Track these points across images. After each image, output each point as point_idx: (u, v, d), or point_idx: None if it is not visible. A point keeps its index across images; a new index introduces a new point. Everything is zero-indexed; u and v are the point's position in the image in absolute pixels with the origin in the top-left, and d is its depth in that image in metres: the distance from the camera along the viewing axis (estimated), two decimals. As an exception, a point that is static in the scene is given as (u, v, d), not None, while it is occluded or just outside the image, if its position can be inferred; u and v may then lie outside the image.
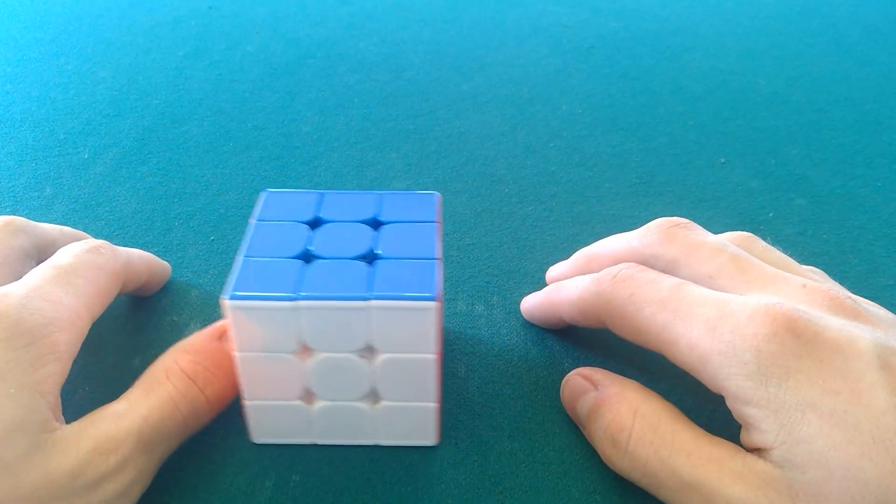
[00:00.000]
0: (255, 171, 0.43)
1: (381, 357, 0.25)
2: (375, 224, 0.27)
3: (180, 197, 0.41)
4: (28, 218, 0.30)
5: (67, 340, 0.25)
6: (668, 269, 0.28)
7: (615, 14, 0.64)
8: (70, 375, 0.25)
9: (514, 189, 0.42)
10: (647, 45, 0.59)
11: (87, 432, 0.23)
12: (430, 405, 0.27)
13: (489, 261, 0.37)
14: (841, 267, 0.37)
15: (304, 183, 0.42)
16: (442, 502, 0.26)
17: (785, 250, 0.38)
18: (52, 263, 0.27)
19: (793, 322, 0.22)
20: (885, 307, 0.26)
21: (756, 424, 0.22)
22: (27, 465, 0.22)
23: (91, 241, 0.29)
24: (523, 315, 0.33)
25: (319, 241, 0.26)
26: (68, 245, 0.29)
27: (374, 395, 0.26)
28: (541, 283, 0.35)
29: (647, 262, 0.28)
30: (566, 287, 0.30)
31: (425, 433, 0.28)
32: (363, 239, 0.26)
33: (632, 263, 0.27)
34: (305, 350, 0.25)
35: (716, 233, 0.29)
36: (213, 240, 0.38)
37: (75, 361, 0.25)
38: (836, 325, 0.23)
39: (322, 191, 0.29)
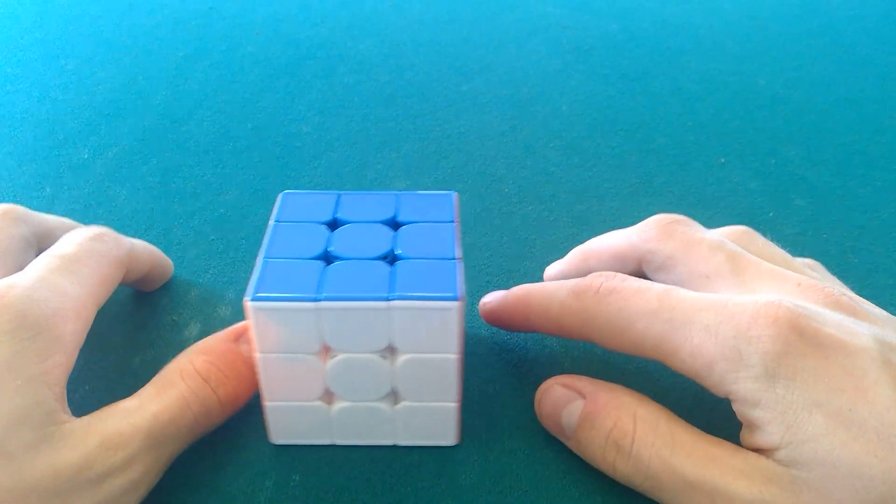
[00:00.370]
0: (255, 172, 0.43)
1: (403, 357, 0.25)
2: (394, 224, 0.27)
3: (180, 197, 0.41)
4: (28, 209, 0.30)
5: (73, 331, 0.25)
6: (665, 265, 0.28)
7: (615, 15, 0.64)
8: (70, 374, 0.25)
9: (514, 189, 0.42)
10: (646, 45, 0.59)
11: (95, 427, 0.23)
12: (450, 405, 0.27)
13: (489, 261, 0.37)
14: (841, 267, 0.37)
15: (305, 183, 0.42)
16: (441, 502, 0.26)
17: (785, 250, 0.38)
18: (56, 252, 0.27)
19: (795, 320, 0.22)
20: (886, 307, 0.26)
21: (762, 426, 0.22)
22: (33, 456, 0.22)
23: (93, 229, 0.29)
24: (482, 316, 0.31)
25: (339, 242, 0.26)
26: (70, 233, 0.29)
27: (394, 396, 0.26)
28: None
29: (645, 258, 0.28)
30: (541, 298, 0.28)
31: (446, 433, 0.28)
32: (383, 239, 0.26)
33: (609, 273, 0.27)
34: (326, 350, 0.25)
35: (715, 232, 0.29)
36: (213, 239, 0.38)
37: (76, 360, 0.25)
38: (835, 321, 0.23)
39: (339, 192, 0.29)
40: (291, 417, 0.27)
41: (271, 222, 0.27)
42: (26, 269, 0.26)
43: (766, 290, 0.25)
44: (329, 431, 0.27)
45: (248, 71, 0.55)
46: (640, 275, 0.29)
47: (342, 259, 0.25)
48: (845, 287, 0.27)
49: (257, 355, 0.25)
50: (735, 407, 0.23)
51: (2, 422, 0.22)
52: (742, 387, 0.22)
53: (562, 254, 0.36)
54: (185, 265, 0.36)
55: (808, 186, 0.43)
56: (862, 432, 0.21)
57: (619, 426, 0.25)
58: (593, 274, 0.27)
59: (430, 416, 0.27)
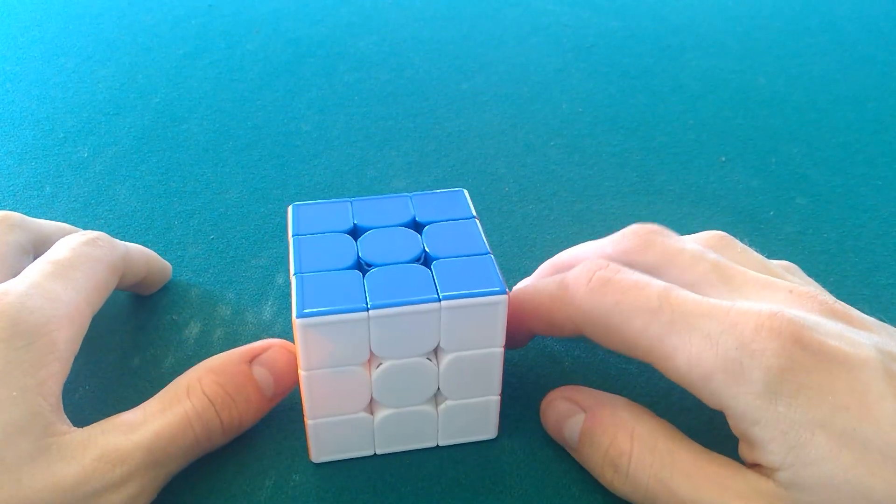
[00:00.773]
0: (255, 170, 0.43)
1: (449, 356, 0.25)
2: (416, 226, 0.27)
3: (180, 195, 0.41)
4: (25, 215, 0.30)
5: (67, 338, 0.24)
6: None
7: (615, 13, 0.64)
8: (70, 374, 0.25)
9: (515, 188, 0.42)
10: (647, 43, 0.59)
11: (95, 440, 0.23)
12: (493, 398, 0.27)
13: (489, 260, 0.37)
14: (842, 266, 0.37)
15: (305, 182, 0.42)
16: (441, 502, 0.26)
17: (785, 249, 0.38)
18: (50, 258, 0.27)
19: (798, 333, 0.22)
20: (886, 306, 0.26)
21: (762, 445, 0.22)
22: (31, 469, 0.22)
23: (88, 234, 0.29)
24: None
25: (368, 249, 0.26)
26: (65, 238, 0.28)
27: (438, 396, 0.27)
28: (541, 282, 0.35)
29: None
30: (531, 295, 0.27)
31: (487, 427, 0.28)
32: (411, 242, 0.26)
33: (602, 261, 0.25)
34: (371, 359, 0.25)
35: (707, 229, 0.29)
36: (212, 238, 0.38)
37: (75, 360, 0.25)
38: (836, 331, 0.22)
39: (350, 199, 0.28)
40: (334, 433, 0.26)
41: (290, 237, 0.27)
42: (20, 275, 0.25)
43: (756, 299, 0.24)
44: (372, 442, 0.27)
45: (247, 69, 0.55)
46: None
47: (377, 266, 0.25)
48: (825, 290, 0.27)
49: (302, 373, 0.24)
50: (731, 422, 0.23)
51: None
52: (742, 402, 0.22)
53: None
54: (184, 264, 0.36)
55: (809, 185, 0.42)
56: (866, 453, 0.20)
57: (615, 445, 0.24)
58: (585, 261, 0.26)
59: (473, 412, 0.27)
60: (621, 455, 0.24)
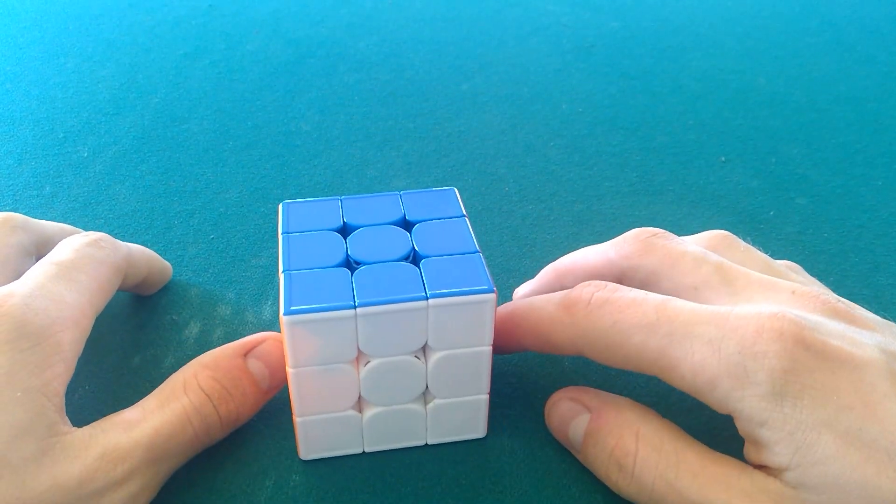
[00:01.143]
0: (255, 170, 0.43)
1: (437, 355, 0.25)
2: (406, 225, 0.27)
3: (180, 195, 0.41)
4: (27, 216, 0.30)
5: (72, 339, 0.24)
6: (648, 280, 0.27)
7: (615, 13, 0.64)
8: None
9: (514, 188, 0.42)
10: (647, 44, 0.59)
11: (96, 439, 0.23)
12: (482, 397, 0.27)
13: (489, 260, 0.37)
14: (842, 266, 0.37)
15: (305, 182, 0.42)
16: (441, 502, 0.26)
17: (786, 249, 0.38)
18: (53, 259, 0.27)
19: (800, 333, 0.22)
20: (887, 306, 0.26)
21: (770, 446, 0.22)
22: (35, 469, 0.22)
23: (90, 235, 0.29)
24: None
25: (357, 247, 0.26)
26: (67, 239, 0.28)
27: (425, 395, 0.27)
28: (541, 282, 0.35)
29: (626, 274, 0.27)
30: (527, 314, 0.27)
31: (475, 426, 0.28)
32: (400, 240, 0.26)
33: (600, 282, 0.25)
34: (359, 357, 0.25)
35: (708, 229, 0.29)
36: (212, 238, 0.38)
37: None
38: (838, 331, 0.22)
39: (340, 197, 0.29)
40: (323, 430, 0.26)
41: (280, 234, 0.27)
42: (24, 277, 0.26)
43: (760, 299, 0.24)
44: (360, 440, 0.27)
45: (247, 69, 0.55)
46: None
47: (365, 264, 0.25)
48: (828, 290, 0.27)
49: (290, 371, 0.24)
50: (739, 424, 0.23)
51: (3, 435, 0.21)
52: (748, 405, 0.22)
53: (562, 252, 0.36)
54: (184, 264, 0.36)
55: (809, 185, 0.42)
56: (872, 452, 0.20)
57: (620, 445, 0.24)
58: (582, 284, 0.26)
59: (461, 410, 0.27)
60: (626, 455, 0.24)
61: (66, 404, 0.24)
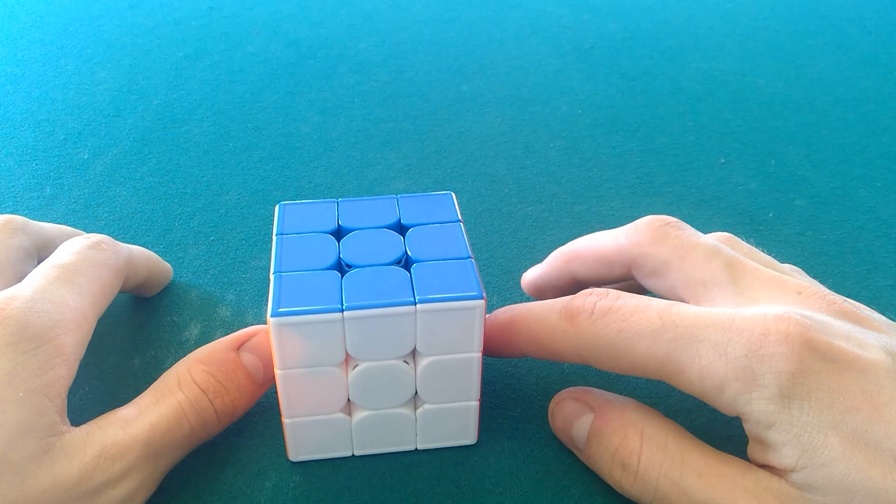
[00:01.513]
0: (255, 172, 0.43)
1: (426, 360, 0.25)
2: (400, 228, 0.27)
3: (180, 197, 0.41)
4: (27, 218, 0.30)
5: (74, 342, 0.24)
6: (657, 270, 0.27)
7: (615, 15, 0.64)
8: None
9: (514, 189, 0.42)
10: (646, 45, 0.59)
11: (94, 437, 0.23)
12: (471, 404, 0.27)
13: (489, 261, 0.37)
14: (841, 267, 0.37)
15: (305, 183, 0.42)
16: (441, 502, 0.26)
17: (785, 250, 0.38)
18: (55, 262, 0.27)
19: (806, 335, 0.22)
20: (885, 307, 0.26)
21: (777, 447, 0.22)
22: (35, 468, 0.22)
23: (92, 237, 0.29)
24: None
25: (350, 250, 0.26)
26: (69, 241, 0.28)
27: (415, 400, 0.27)
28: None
29: (636, 262, 0.27)
30: (529, 322, 0.26)
31: (466, 432, 0.28)
32: (393, 244, 0.26)
33: (601, 290, 0.25)
34: (348, 361, 0.25)
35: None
36: (213, 240, 0.38)
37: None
38: (844, 332, 0.22)
39: (336, 199, 0.29)
40: (312, 433, 0.26)
41: (274, 236, 0.27)
42: (25, 280, 0.26)
43: (766, 299, 0.24)
44: (349, 443, 0.27)
45: (248, 71, 0.55)
46: (629, 279, 0.29)
47: (356, 267, 0.25)
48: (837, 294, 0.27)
49: (278, 372, 0.24)
50: (747, 427, 0.23)
51: (5, 434, 0.22)
52: (756, 408, 0.22)
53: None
54: (185, 266, 0.36)
55: (809, 187, 0.43)
56: (878, 455, 0.20)
57: (624, 444, 0.24)
58: (584, 292, 0.25)
59: (451, 416, 0.27)
60: (630, 454, 0.24)
61: (67, 405, 0.24)
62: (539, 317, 0.26)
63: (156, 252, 0.35)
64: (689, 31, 0.62)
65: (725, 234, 0.28)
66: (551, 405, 0.28)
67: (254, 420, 0.29)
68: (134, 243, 0.33)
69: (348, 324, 0.24)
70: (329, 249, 0.26)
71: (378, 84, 0.53)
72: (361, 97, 0.51)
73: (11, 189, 0.42)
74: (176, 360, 0.31)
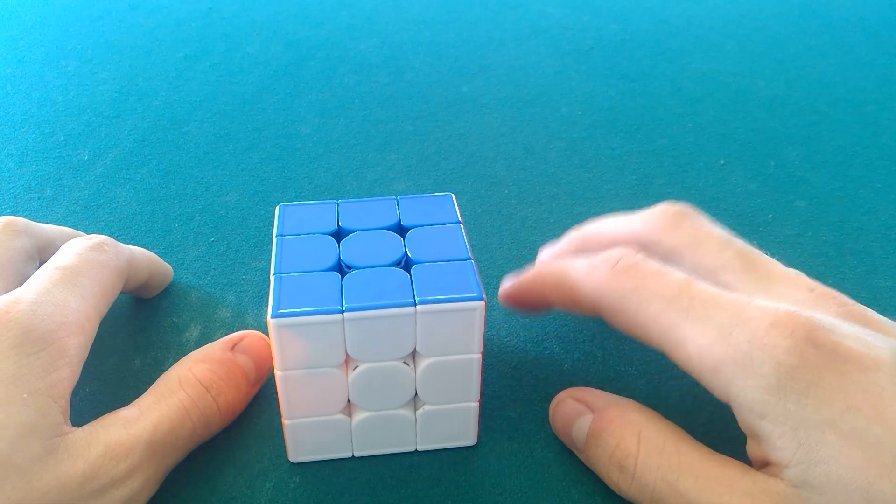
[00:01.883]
0: (256, 173, 0.43)
1: (426, 361, 0.25)
2: (400, 229, 0.27)
3: (180, 198, 0.41)
4: (28, 219, 0.30)
5: (77, 344, 0.25)
6: (669, 257, 0.27)
7: (615, 16, 0.64)
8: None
9: (514, 190, 0.42)
10: (646, 46, 0.59)
11: (97, 437, 0.23)
12: (471, 405, 0.27)
13: (489, 262, 0.37)
14: (840, 269, 0.37)
15: (305, 184, 0.42)
16: (441, 503, 0.26)
17: (784, 252, 0.38)
18: (57, 264, 0.27)
19: (812, 332, 0.22)
20: (885, 309, 0.26)
21: (771, 440, 0.22)
22: (40, 469, 0.22)
23: (93, 238, 0.29)
24: (503, 301, 0.31)
25: (350, 252, 0.26)
26: (70, 242, 0.29)
27: (415, 401, 0.27)
28: (540, 285, 0.35)
29: (648, 248, 0.27)
30: (557, 272, 0.28)
31: (466, 434, 0.28)
32: (393, 245, 0.26)
33: (631, 251, 0.26)
34: (348, 362, 0.25)
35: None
36: (213, 241, 0.38)
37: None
38: (852, 334, 0.22)
39: (336, 200, 0.29)
40: (312, 434, 0.26)
41: (274, 237, 0.27)
42: (28, 282, 0.26)
43: (778, 292, 0.24)
44: (349, 444, 0.27)
45: (248, 72, 0.55)
46: None
47: (356, 268, 0.25)
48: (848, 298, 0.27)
49: (278, 373, 0.25)
50: (738, 414, 0.23)
51: (10, 435, 0.22)
52: (749, 395, 0.22)
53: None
54: (185, 267, 0.36)
55: (808, 188, 0.43)
56: (877, 454, 0.20)
57: (622, 446, 0.24)
58: (615, 248, 0.26)
59: (451, 417, 0.27)
60: (628, 456, 0.24)
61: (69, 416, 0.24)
62: (566, 267, 0.27)
63: (156, 253, 0.35)
64: (689, 31, 0.62)
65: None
66: (552, 405, 0.28)
67: (254, 420, 0.29)
68: (134, 244, 0.33)
69: (348, 325, 0.24)
70: (329, 251, 0.26)
71: (378, 85, 0.53)
72: (361, 98, 0.51)
73: (11, 190, 0.42)
74: (176, 361, 0.31)
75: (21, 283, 0.26)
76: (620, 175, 0.44)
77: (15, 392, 0.22)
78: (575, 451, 0.27)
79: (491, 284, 0.35)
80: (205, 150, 0.46)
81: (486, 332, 0.33)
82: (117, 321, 0.33)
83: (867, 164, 0.45)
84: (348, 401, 0.26)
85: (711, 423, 0.29)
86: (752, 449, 0.23)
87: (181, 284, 0.35)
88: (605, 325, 0.33)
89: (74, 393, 0.29)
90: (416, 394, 0.26)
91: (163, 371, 0.31)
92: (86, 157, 0.45)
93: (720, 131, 0.48)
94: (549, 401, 0.29)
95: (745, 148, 0.46)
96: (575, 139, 0.47)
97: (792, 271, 0.25)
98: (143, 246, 0.35)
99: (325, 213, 0.28)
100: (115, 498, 0.23)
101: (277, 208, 0.28)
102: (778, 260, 0.29)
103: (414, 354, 0.25)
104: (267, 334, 0.33)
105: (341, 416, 0.26)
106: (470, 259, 0.26)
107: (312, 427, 0.26)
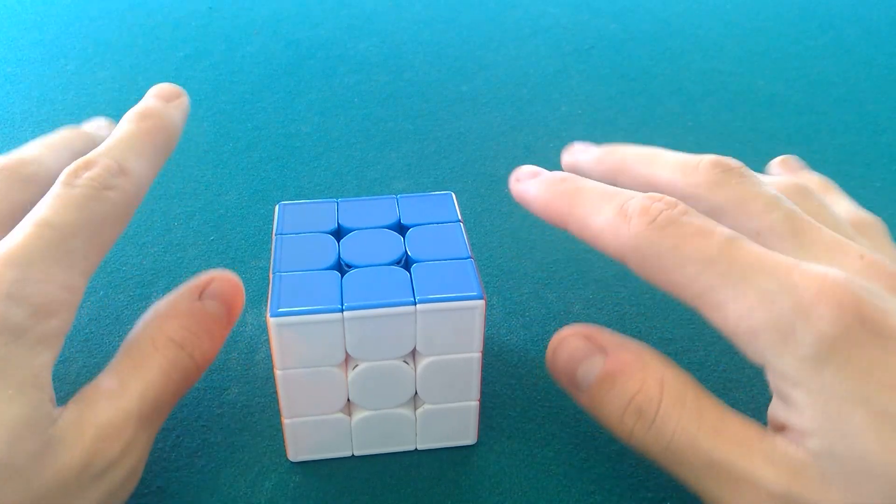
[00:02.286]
0: (255, 172, 0.43)
1: (426, 360, 0.25)
2: (400, 228, 0.27)
3: (180, 197, 0.41)
4: (40, 154, 0.27)
5: (59, 324, 0.23)
6: (710, 215, 0.24)
7: (614, 15, 0.64)
8: (69, 375, 0.25)
9: (514, 190, 0.42)
10: (646, 46, 0.59)
11: (87, 419, 0.22)
12: (471, 404, 0.27)
13: (489, 261, 0.37)
14: (840, 268, 0.37)
15: (305, 183, 0.42)
16: (441, 502, 0.26)
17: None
18: (48, 219, 0.23)
19: (860, 307, 0.21)
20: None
21: (800, 407, 0.21)
22: (39, 465, 0.21)
23: (98, 174, 0.25)
24: (517, 195, 0.28)
25: (349, 250, 0.26)
26: (67, 182, 0.24)
27: (414, 400, 0.27)
28: (540, 284, 0.35)
29: (688, 202, 0.25)
30: (586, 204, 0.25)
31: (466, 433, 0.28)
32: (393, 244, 0.26)
33: (671, 200, 0.24)
34: (347, 361, 0.25)
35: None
36: (212, 240, 0.38)
37: (74, 361, 0.25)
38: None
39: (336, 199, 0.29)
40: (311, 433, 0.26)
41: (274, 235, 0.27)
42: (9, 242, 0.22)
43: (826, 259, 0.23)
44: (349, 443, 0.27)
45: (247, 71, 0.55)
46: None
47: (356, 267, 0.25)
48: None
49: (278, 372, 0.25)
50: (771, 378, 0.22)
51: (3, 436, 0.20)
52: (786, 363, 0.21)
53: (562, 255, 0.36)
54: (184, 266, 0.36)
55: (808, 187, 0.43)
56: None
57: (644, 391, 0.23)
58: (651, 195, 0.24)
59: (451, 416, 0.27)
60: (650, 402, 0.23)
61: (64, 406, 0.24)
62: (598, 202, 0.25)
63: (155, 252, 0.35)
64: (688, 31, 0.62)
65: (797, 182, 0.27)
66: (553, 342, 0.26)
67: (254, 420, 0.29)
68: (133, 243, 0.33)
69: (348, 324, 0.24)
70: (329, 249, 0.26)
71: (378, 84, 0.53)
72: (361, 97, 0.51)
73: (11, 189, 0.42)
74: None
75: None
76: (620, 174, 0.43)
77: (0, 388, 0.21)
78: (572, 392, 0.26)
79: (491, 283, 0.35)
80: (204, 149, 0.46)
81: (486, 332, 0.33)
82: (118, 321, 0.33)
83: (867, 164, 0.45)
84: (348, 400, 0.26)
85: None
86: (775, 410, 0.22)
87: (181, 283, 0.35)
88: (605, 326, 0.33)
89: (72, 392, 0.29)
90: (416, 393, 0.26)
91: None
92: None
93: (720, 130, 0.48)
94: (549, 399, 0.29)
95: (745, 147, 0.46)
96: (575, 138, 0.47)
97: (842, 238, 0.24)
98: (143, 245, 0.35)
99: (324, 212, 0.28)
100: (113, 479, 0.22)
101: (277, 207, 0.28)
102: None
103: (414, 353, 0.25)
104: (267, 333, 0.33)
105: (341, 416, 0.26)
106: (470, 258, 0.26)
107: (312, 426, 0.26)
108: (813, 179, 0.31)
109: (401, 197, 0.29)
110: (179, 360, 0.25)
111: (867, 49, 0.59)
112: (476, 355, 0.25)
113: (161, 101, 0.29)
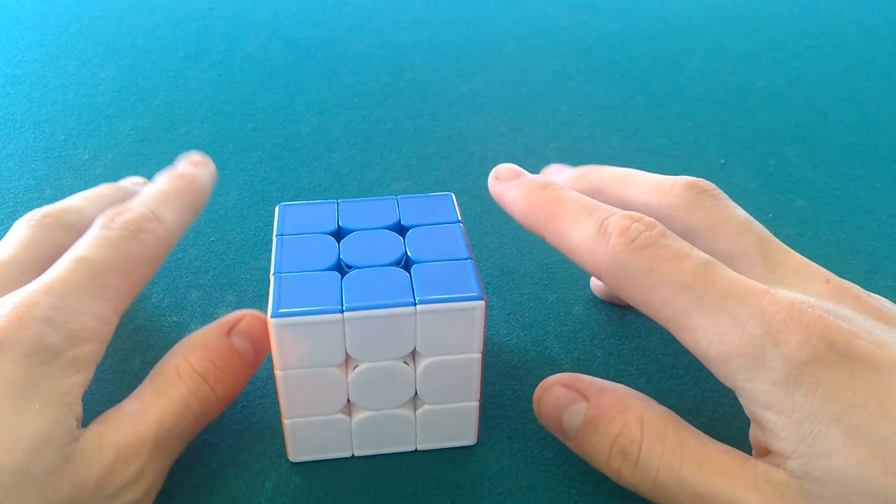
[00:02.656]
0: (255, 172, 0.43)
1: (426, 361, 0.25)
2: (400, 229, 0.27)
3: (180, 198, 0.41)
4: (76, 205, 0.29)
5: (91, 350, 0.24)
6: (684, 236, 0.25)
7: (615, 15, 0.64)
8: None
9: (514, 190, 0.42)
10: (646, 46, 0.59)
11: (108, 439, 0.23)
12: (471, 404, 0.27)
13: (489, 262, 0.37)
14: (840, 268, 0.36)
15: (305, 184, 0.42)
16: (441, 503, 0.26)
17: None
18: (86, 256, 0.25)
19: (826, 329, 0.21)
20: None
21: (775, 431, 0.22)
22: (56, 480, 0.21)
23: (133, 218, 0.26)
24: (496, 195, 0.29)
25: (349, 251, 0.26)
26: (109, 218, 0.26)
27: (414, 400, 0.27)
28: (540, 284, 0.35)
29: (662, 221, 0.25)
30: (565, 216, 0.26)
31: (466, 433, 0.28)
32: (393, 245, 0.26)
33: (650, 221, 0.24)
34: (348, 361, 0.25)
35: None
36: (213, 241, 0.38)
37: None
38: (866, 329, 0.22)
39: (336, 200, 0.29)
40: (311, 433, 0.26)
41: (274, 236, 0.27)
42: (50, 274, 0.24)
43: (794, 282, 0.24)
44: (349, 444, 0.27)
45: (247, 71, 0.55)
46: None
47: (356, 268, 0.25)
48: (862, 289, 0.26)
49: (278, 373, 0.25)
50: (744, 403, 0.22)
51: (26, 447, 0.21)
52: (757, 387, 0.22)
53: (561, 255, 0.35)
54: (185, 266, 0.36)
55: (808, 187, 0.43)
56: (881, 451, 0.20)
57: (625, 433, 0.24)
58: (630, 214, 0.24)
59: (451, 417, 0.27)
60: (632, 443, 0.24)
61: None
62: (573, 216, 0.25)
63: (156, 253, 0.35)
64: (688, 31, 0.62)
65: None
66: (538, 392, 0.27)
67: (254, 420, 0.29)
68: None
69: (348, 324, 0.24)
70: (329, 250, 0.26)
71: (378, 85, 0.53)
72: (361, 98, 0.51)
73: (11, 190, 0.42)
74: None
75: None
76: (620, 174, 0.43)
77: (28, 402, 0.22)
78: (563, 439, 0.26)
79: (491, 284, 0.35)
80: (204, 149, 0.45)
81: (486, 332, 0.33)
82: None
83: (867, 164, 0.45)
84: (348, 400, 0.26)
85: (711, 422, 0.29)
86: (755, 436, 0.23)
87: (181, 284, 0.35)
88: (606, 325, 0.33)
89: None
90: (416, 393, 0.26)
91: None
92: (86, 157, 0.45)
93: (720, 130, 0.48)
94: (549, 400, 0.29)
95: (745, 147, 0.46)
96: (575, 138, 0.47)
97: (809, 262, 0.25)
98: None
99: (324, 213, 0.28)
100: (126, 500, 0.23)
101: (277, 208, 0.28)
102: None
103: (414, 354, 0.25)
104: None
105: (341, 416, 0.26)
106: (470, 259, 0.26)
107: (312, 426, 0.26)
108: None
109: (401, 198, 0.29)
110: (200, 391, 0.25)
111: (867, 49, 0.59)
112: (476, 356, 0.25)
113: (191, 165, 0.31)
